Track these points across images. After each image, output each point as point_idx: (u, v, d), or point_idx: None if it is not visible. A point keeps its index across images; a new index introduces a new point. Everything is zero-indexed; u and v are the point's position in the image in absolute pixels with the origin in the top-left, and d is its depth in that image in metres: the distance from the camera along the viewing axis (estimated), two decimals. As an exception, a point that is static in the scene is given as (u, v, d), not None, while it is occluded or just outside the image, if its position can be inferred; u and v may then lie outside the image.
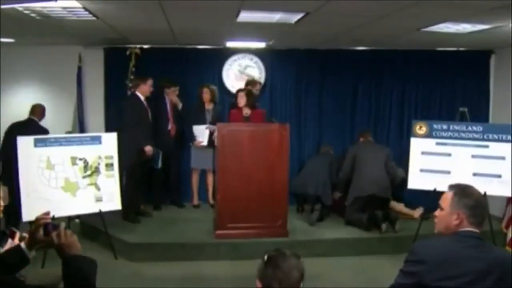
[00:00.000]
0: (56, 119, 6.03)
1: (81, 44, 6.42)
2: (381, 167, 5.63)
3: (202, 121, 6.22)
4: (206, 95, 6.24)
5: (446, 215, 2.08)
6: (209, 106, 6.28)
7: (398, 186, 5.94)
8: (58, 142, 4.76)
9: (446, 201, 2.10)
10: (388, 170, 5.66)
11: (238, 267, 4.76)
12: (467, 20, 4.40)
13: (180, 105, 6.25)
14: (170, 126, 6.19)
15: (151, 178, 6.13)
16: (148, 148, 5.57)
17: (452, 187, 2.13)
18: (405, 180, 5.92)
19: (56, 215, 4.41)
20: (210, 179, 6.42)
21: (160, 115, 6.08)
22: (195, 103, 6.32)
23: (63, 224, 1.95)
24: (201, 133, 6.15)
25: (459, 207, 2.05)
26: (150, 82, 5.69)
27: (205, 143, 6.12)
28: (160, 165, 6.03)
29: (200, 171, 6.49)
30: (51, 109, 5.97)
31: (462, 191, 2.08)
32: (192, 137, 6.23)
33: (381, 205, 5.62)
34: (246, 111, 5.76)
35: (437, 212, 2.15)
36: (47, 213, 2.02)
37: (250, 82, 6.36)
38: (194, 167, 6.43)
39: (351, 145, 6.23)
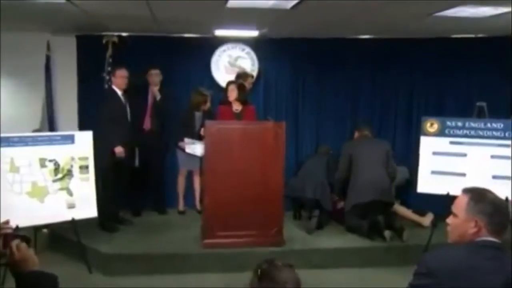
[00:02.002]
0: (21, 115, 5.92)
1: (49, 30, 6.28)
2: (381, 167, 5.56)
3: (191, 128, 6.14)
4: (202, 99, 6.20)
5: (461, 222, 2.01)
6: (199, 112, 6.23)
7: (401, 188, 5.89)
8: (23, 141, 4.65)
9: (460, 207, 2.03)
10: (389, 170, 5.59)
11: (229, 280, 4.69)
12: (486, 2, 4.31)
13: (158, 97, 6.15)
14: (145, 122, 6.13)
15: (131, 180, 6.02)
16: (119, 150, 5.47)
17: (466, 191, 2.06)
18: (408, 182, 5.86)
19: (21, 225, 4.28)
20: (197, 181, 6.36)
21: (140, 110, 6.02)
22: (186, 110, 6.25)
23: (16, 241, 1.84)
24: (191, 147, 6.09)
25: (476, 214, 1.98)
26: (119, 73, 5.58)
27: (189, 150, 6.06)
28: (137, 163, 5.91)
29: (187, 172, 6.42)
30: (15, 105, 5.85)
31: (479, 196, 2.01)
32: (178, 138, 6.19)
33: (384, 209, 5.56)
34: (237, 107, 5.69)
35: (450, 219, 2.08)
36: (7, 222, 1.93)
37: (241, 75, 6.29)
38: (180, 169, 6.36)
39: (346, 143, 6.12)
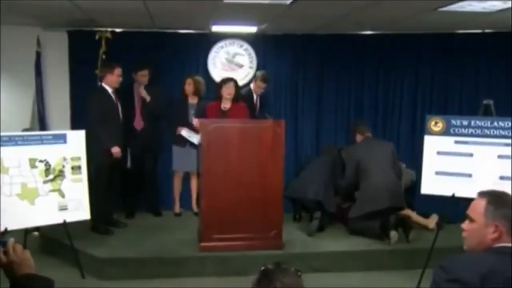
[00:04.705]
0: (11, 114, 5.87)
1: (40, 25, 6.25)
2: (390, 170, 5.55)
3: (183, 118, 6.15)
4: (189, 87, 6.18)
5: (480, 228, 1.98)
6: (192, 101, 6.22)
7: (408, 190, 5.87)
8: (12, 141, 4.59)
9: (477, 211, 1.99)
10: (396, 171, 5.58)
11: (226, 285, 4.69)
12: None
13: (148, 98, 6.07)
14: (136, 121, 6.10)
15: (124, 181, 6.03)
16: (116, 150, 5.44)
17: (483, 194, 2.03)
18: (415, 184, 5.83)
19: (10, 228, 4.28)
20: (194, 183, 6.37)
21: (127, 109, 5.96)
22: (178, 97, 6.29)
23: (12, 239, 1.83)
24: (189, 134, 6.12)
25: (496, 218, 1.94)
26: (117, 71, 5.53)
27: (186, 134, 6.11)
28: (129, 165, 5.94)
29: (183, 174, 6.42)
30: (4, 103, 5.79)
31: (498, 199, 1.98)
32: (173, 138, 6.22)
33: (394, 212, 5.55)
34: (225, 105, 5.69)
35: (466, 225, 2.04)
36: None
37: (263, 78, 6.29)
38: (176, 170, 6.36)
39: (350, 148, 6.03)
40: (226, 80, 5.84)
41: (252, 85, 6.35)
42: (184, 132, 6.06)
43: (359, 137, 5.97)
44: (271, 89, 6.78)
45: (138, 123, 6.12)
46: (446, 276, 1.90)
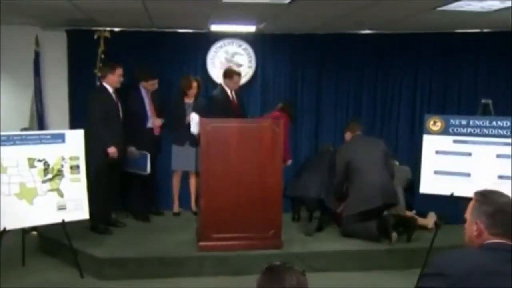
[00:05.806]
0: (9, 114, 5.83)
1: (39, 24, 6.24)
2: (382, 168, 5.53)
3: (182, 117, 6.15)
4: (194, 90, 6.20)
5: (468, 226, 2.03)
6: (189, 100, 6.23)
7: (407, 190, 5.89)
8: (11, 140, 4.58)
9: (468, 210, 2.05)
10: (389, 170, 5.58)
11: (225, 284, 4.69)
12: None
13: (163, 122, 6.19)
14: (150, 123, 6.10)
15: (124, 181, 6.02)
16: (112, 150, 5.42)
17: (475, 193, 2.07)
18: (411, 182, 5.83)
19: (9, 227, 4.27)
20: (193, 182, 6.37)
21: (136, 111, 5.95)
22: (177, 97, 6.28)
23: None
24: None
25: (478, 216, 1.98)
26: (119, 71, 5.53)
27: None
28: (149, 170, 5.90)
29: (182, 173, 6.42)
30: (3, 103, 5.78)
31: (484, 197, 2.01)
32: (173, 137, 6.24)
33: (388, 210, 5.54)
34: None
35: (465, 224, 2.09)
36: None
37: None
38: (175, 169, 6.35)
39: (340, 147, 5.98)
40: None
41: (224, 82, 6.24)
42: (194, 115, 6.02)
43: (348, 135, 5.97)
44: (271, 89, 6.80)
45: (155, 125, 6.14)
46: (431, 271, 1.94)
